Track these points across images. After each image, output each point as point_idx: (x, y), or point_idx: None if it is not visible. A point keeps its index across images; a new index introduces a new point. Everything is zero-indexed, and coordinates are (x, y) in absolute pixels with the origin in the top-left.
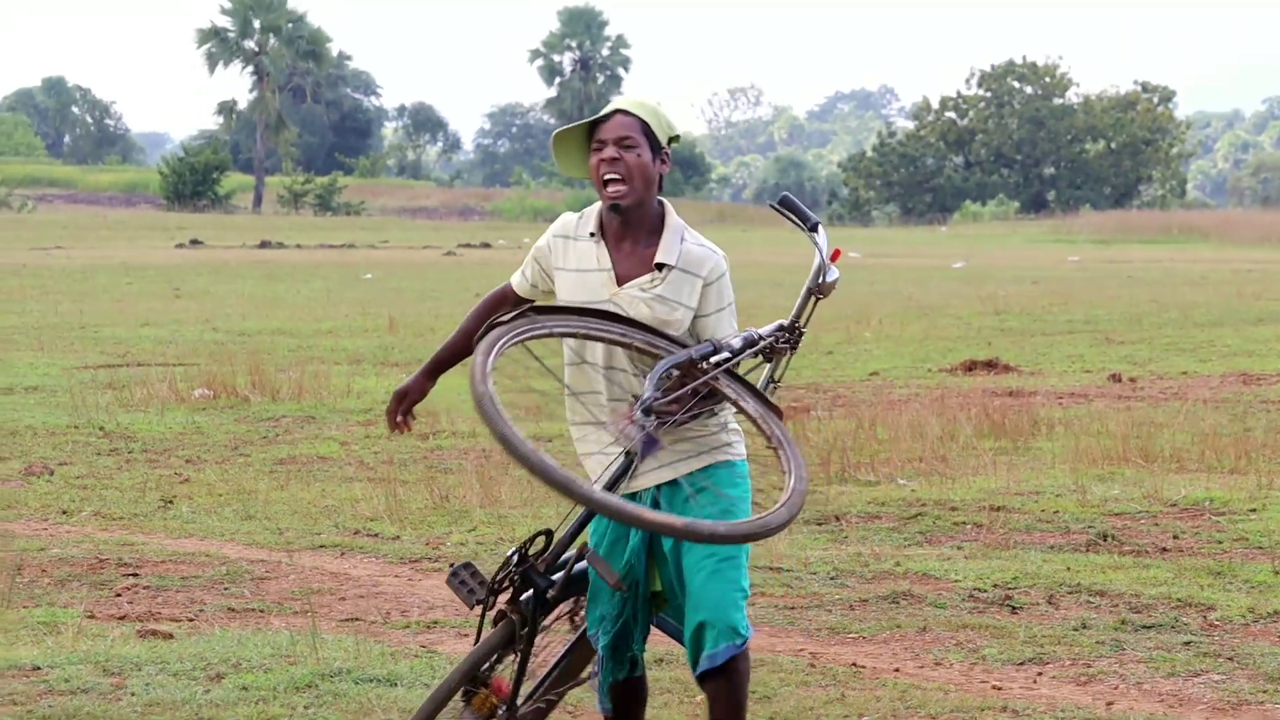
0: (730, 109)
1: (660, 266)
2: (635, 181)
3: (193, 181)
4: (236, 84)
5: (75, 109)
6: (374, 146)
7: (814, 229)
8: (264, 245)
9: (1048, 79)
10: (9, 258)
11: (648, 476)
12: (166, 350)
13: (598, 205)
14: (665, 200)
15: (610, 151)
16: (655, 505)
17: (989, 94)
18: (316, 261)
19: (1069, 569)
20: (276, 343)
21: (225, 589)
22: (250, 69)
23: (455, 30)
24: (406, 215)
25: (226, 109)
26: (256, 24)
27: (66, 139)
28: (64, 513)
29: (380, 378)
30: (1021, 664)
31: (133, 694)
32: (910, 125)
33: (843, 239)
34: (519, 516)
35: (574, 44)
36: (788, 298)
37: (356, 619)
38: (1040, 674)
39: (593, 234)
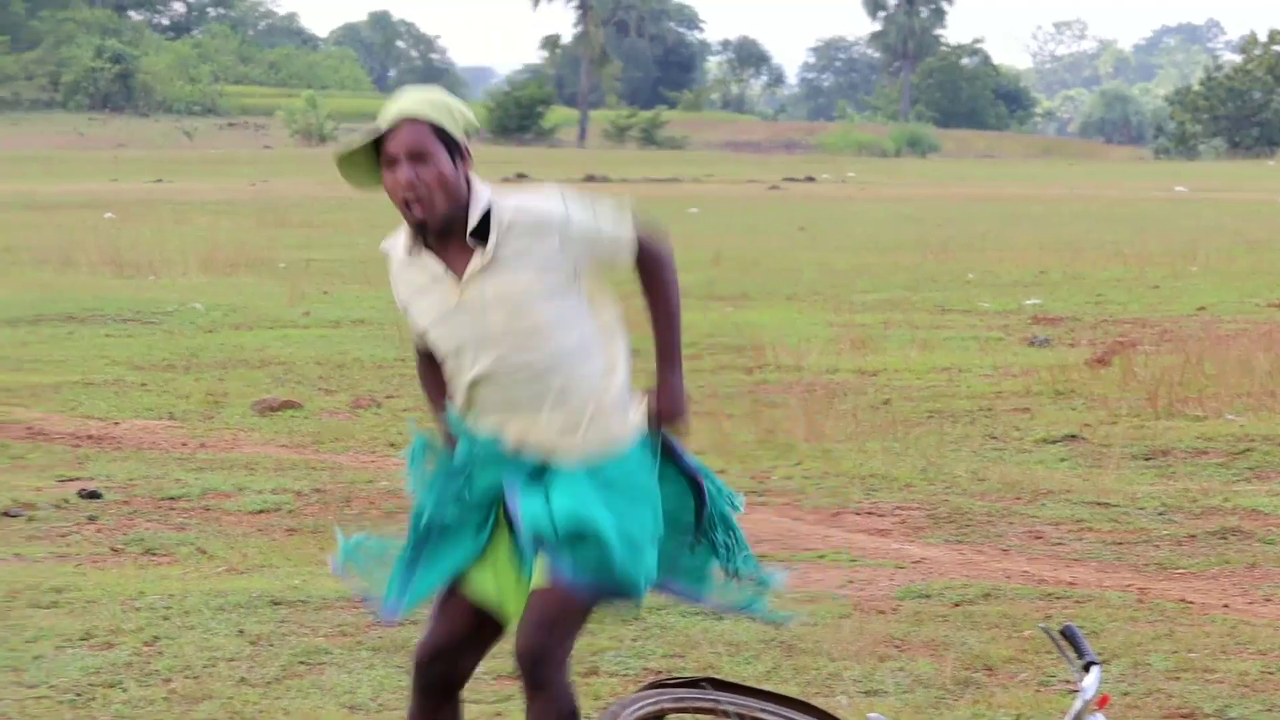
0: (1055, 43)
1: (476, 237)
2: (438, 197)
3: (518, 116)
4: (560, 19)
5: (400, 43)
6: (697, 80)
7: (1088, 667)
8: (589, 179)
9: None
10: (336, 191)
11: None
12: None
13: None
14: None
15: (405, 172)
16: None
17: None
18: (641, 195)
19: None
20: None
21: None
22: (574, 3)
23: None
24: (730, 149)
25: (551, 43)
26: None
27: (392, 73)
28: (391, 445)
29: (706, 312)
30: None
31: None
32: (1237, 59)
33: (1169, 173)
34: (844, 451)
35: None
36: (1114, 231)
37: None
38: None
39: (410, 252)
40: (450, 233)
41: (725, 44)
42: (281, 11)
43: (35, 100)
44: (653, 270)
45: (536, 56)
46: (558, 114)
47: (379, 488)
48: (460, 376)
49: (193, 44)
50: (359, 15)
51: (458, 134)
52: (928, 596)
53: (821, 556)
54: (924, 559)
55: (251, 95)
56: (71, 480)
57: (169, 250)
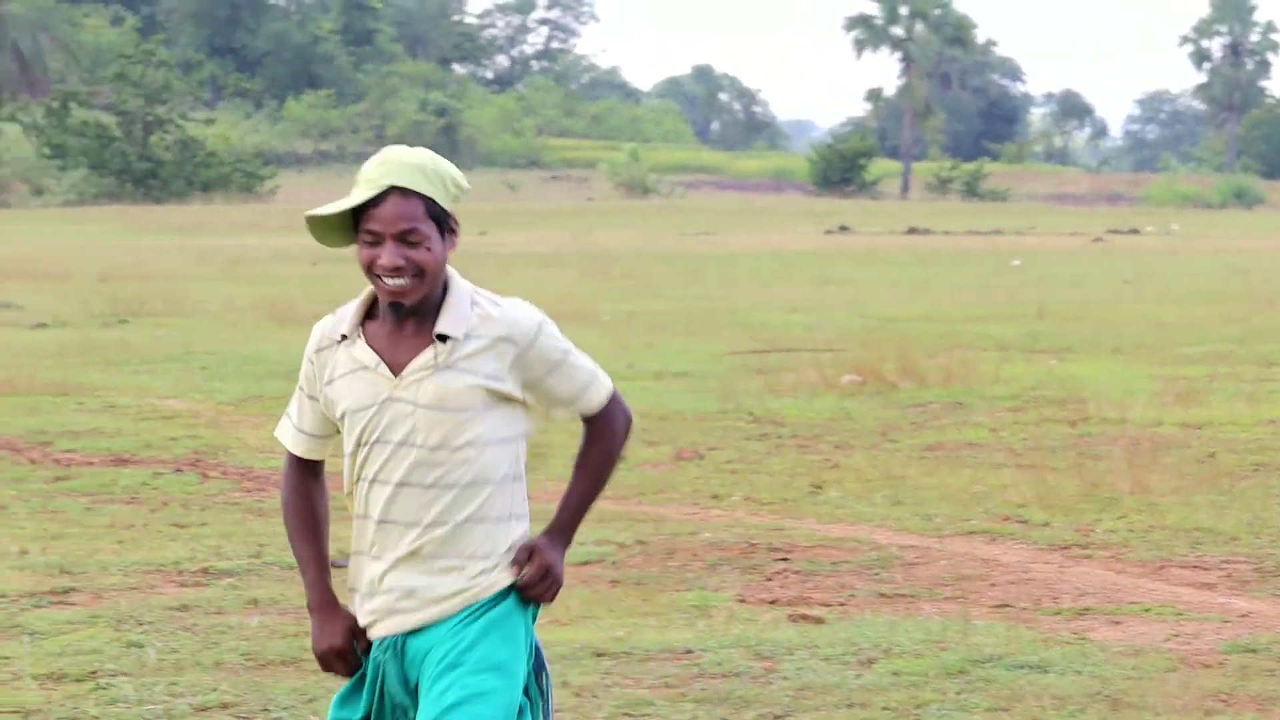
0: None
1: (443, 338)
2: (425, 277)
3: (841, 168)
4: (883, 71)
5: (723, 96)
6: (1020, 133)
7: None
8: (911, 231)
9: None
10: (659, 243)
11: (390, 619)
12: (814, 336)
13: (356, 301)
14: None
15: (390, 255)
16: (399, 658)
17: None
18: (964, 248)
19: None
20: (924, 329)
21: (875, 574)
22: (898, 56)
23: (1101, 16)
24: (1053, 201)
25: (874, 96)
26: (904, 10)
27: (714, 126)
28: (714, 497)
29: (1029, 364)
30: None
31: (784, 678)
32: None
33: None
34: (1169, 504)
35: (1224, 29)
36: None
37: (1006, 605)
38: None
39: (344, 336)
40: (405, 319)
41: (1048, 96)
42: (604, 65)
43: (360, 154)
44: (604, 439)
45: (860, 109)
46: (880, 166)
47: (701, 540)
48: (363, 470)
49: (516, 97)
50: (682, 69)
51: (449, 206)
52: (1254, 651)
53: (1146, 610)
54: (1250, 613)
55: (575, 148)
56: None
57: None
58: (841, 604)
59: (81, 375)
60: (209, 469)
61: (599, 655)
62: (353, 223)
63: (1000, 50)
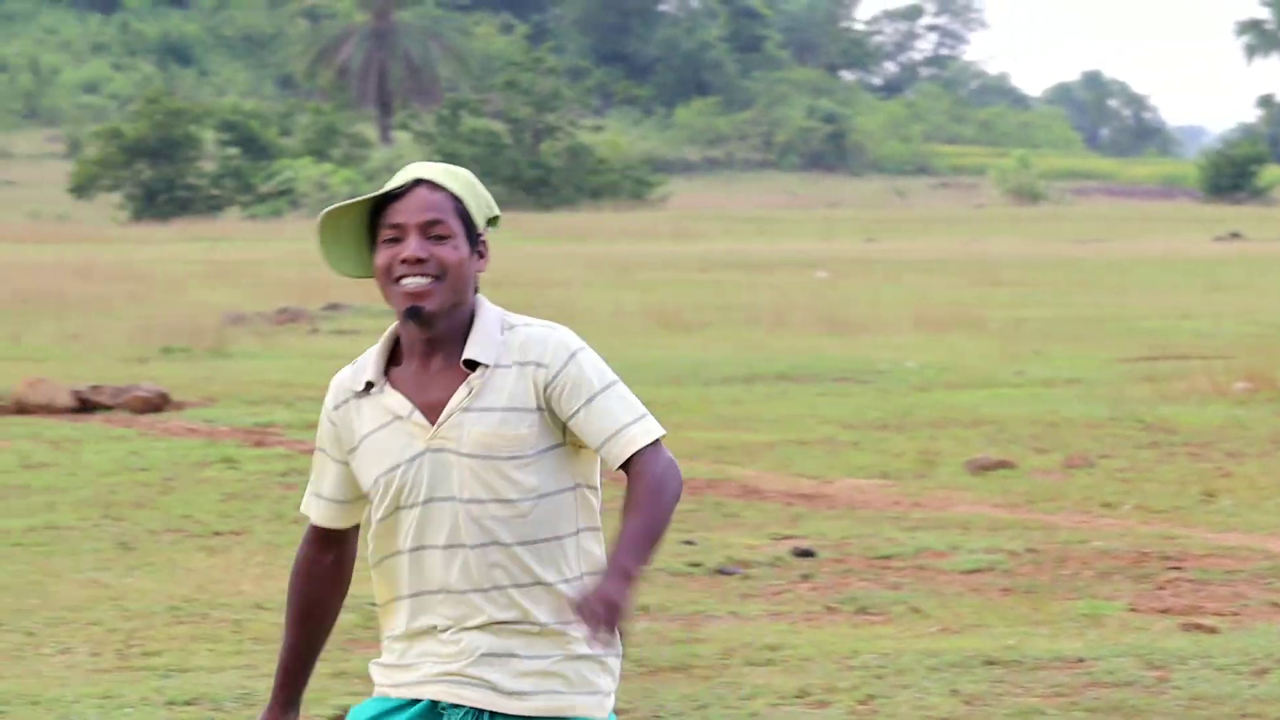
0: None
1: (471, 365)
2: (448, 280)
3: (1231, 174)
4: (1276, 76)
5: (1112, 102)
6: None
7: None
8: None
9: None
10: (1048, 250)
11: (471, 689)
12: (1205, 343)
13: (376, 346)
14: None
15: (414, 247)
16: None
17: None
18: None
19: None
20: None
21: (1269, 583)
22: None
23: None
24: None
25: (1265, 101)
26: None
27: (1104, 132)
28: (1105, 505)
29: None
30: None
31: (1177, 688)
32: None
33: None
34: None
35: None
36: None
37: None
38: None
39: (370, 383)
40: (432, 350)
41: None
42: (993, 71)
43: (748, 160)
44: (648, 480)
45: (1251, 114)
46: (1272, 173)
47: (1092, 548)
48: (397, 543)
49: (905, 104)
50: (1071, 75)
51: (480, 221)
52: None
53: None
54: None
55: (963, 154)
56: (786, 538)
57: (880, 309)
58: (1235, 613)
59: None
60: (600, 475)
61: (990, 663)
62: (369, 239)
63: None
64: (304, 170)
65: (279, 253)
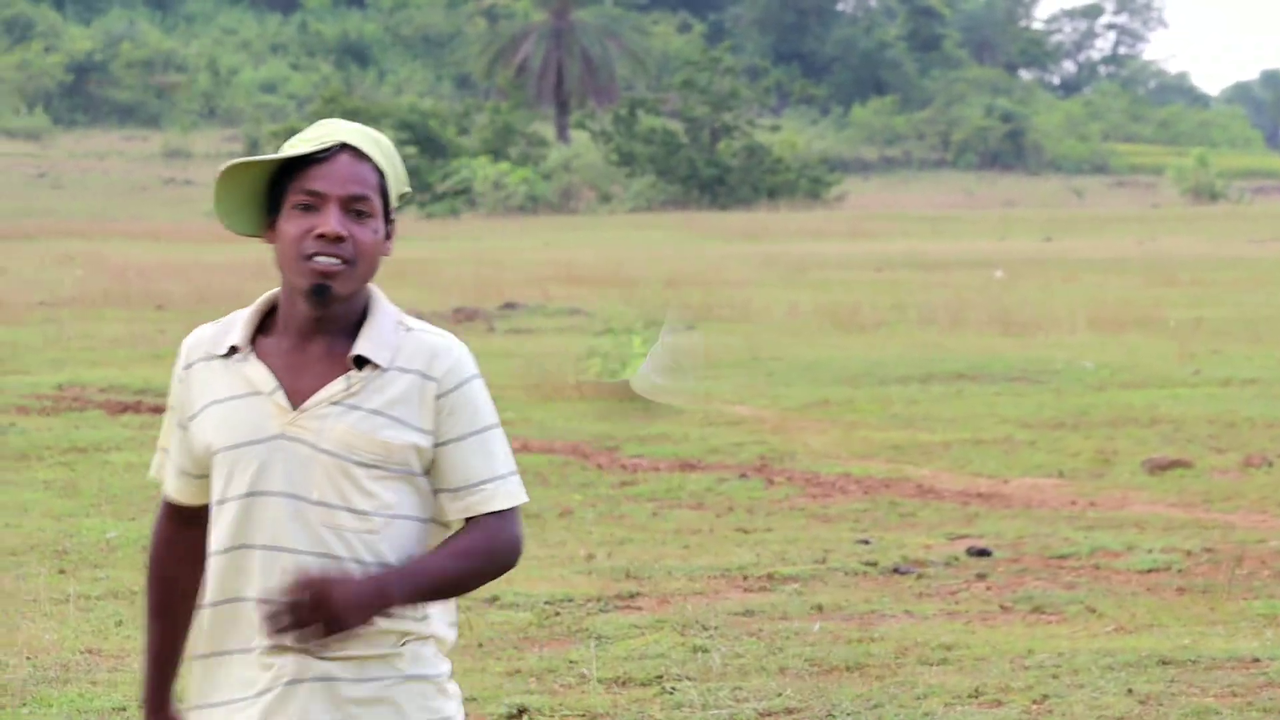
0: None
1: (360, 362)
2: (360, 265)
3: None
4: None
5: None
6: None
7: None
8: None
9: None
10: (1226, 249)
11: None
12: None
13: (248, 310)
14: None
15: (334, 223)
16: None
17: None
18: None
19: None
20: None
21: None
22: None
23: None
24: None
25: None
26: None
27: None
28: None
29: None
30: None
31: None
32: None
33: None
34: None
35: None
36: None
37: None
38: None
39: (234, 348)
40: (315, 331)
41: None
42: (1172, 70)
43: (925, 160)
44: (480, 550)
45: None
46: None
47: (1270, 548)
48: (231, 535)
49: (1083, 102)
50: (1250, 74)
51: (394, 198)
52: None
53: None
54: None
55: (1141, 153)
56: (961, 538)
57: (1057, 309)
58: None
59: None
60: (774, 474)
61: (1165, 663)
62: (268, 200)
63: None
64: (481, 169)
65: (456, 252)
